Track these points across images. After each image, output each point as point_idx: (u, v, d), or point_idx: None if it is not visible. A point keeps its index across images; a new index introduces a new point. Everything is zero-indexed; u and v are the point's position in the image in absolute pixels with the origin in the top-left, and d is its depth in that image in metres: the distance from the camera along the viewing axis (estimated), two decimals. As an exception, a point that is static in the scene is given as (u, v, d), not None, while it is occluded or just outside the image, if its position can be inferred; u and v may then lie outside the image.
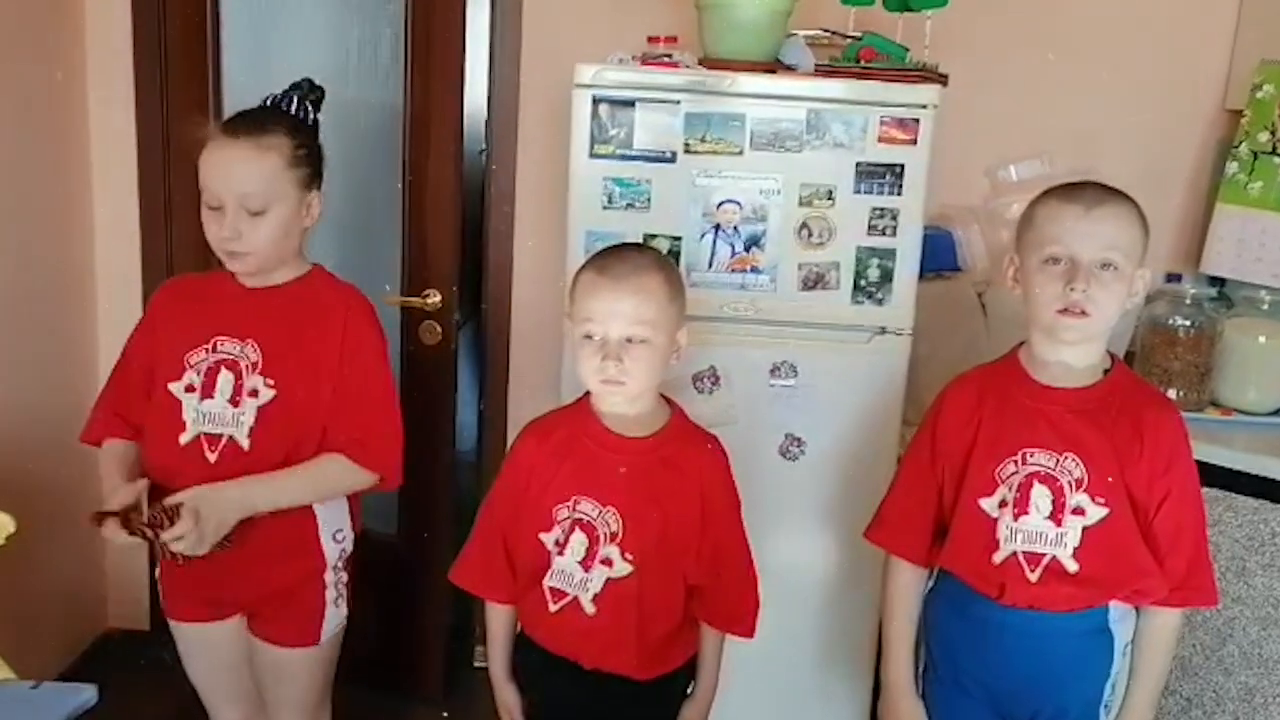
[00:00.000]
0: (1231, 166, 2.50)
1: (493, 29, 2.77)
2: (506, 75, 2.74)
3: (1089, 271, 1.63)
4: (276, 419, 1.84)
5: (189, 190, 2.69)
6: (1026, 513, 1.70)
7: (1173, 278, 2.47)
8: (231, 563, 1.84)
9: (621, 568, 1.72)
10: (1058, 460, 1.69)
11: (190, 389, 1.84)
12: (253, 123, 1.86)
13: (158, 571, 1.99)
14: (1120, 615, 1.73)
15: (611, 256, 1.74)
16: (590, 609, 1.73)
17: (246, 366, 1.85)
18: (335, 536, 1.97)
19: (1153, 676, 1.76)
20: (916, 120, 2.14)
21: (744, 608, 1.83)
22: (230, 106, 2.68)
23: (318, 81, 1.98)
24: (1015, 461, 1.72)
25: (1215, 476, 2.17)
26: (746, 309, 2.24)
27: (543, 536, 1.76)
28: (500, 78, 2.76)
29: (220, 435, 1.83)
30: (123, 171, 2.76)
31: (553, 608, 1.75)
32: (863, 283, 2.22)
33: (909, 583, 1.88)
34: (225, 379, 1.84)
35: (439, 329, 2.67)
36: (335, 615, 1.99)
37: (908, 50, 2.20)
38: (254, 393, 1.84)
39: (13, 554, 1.81)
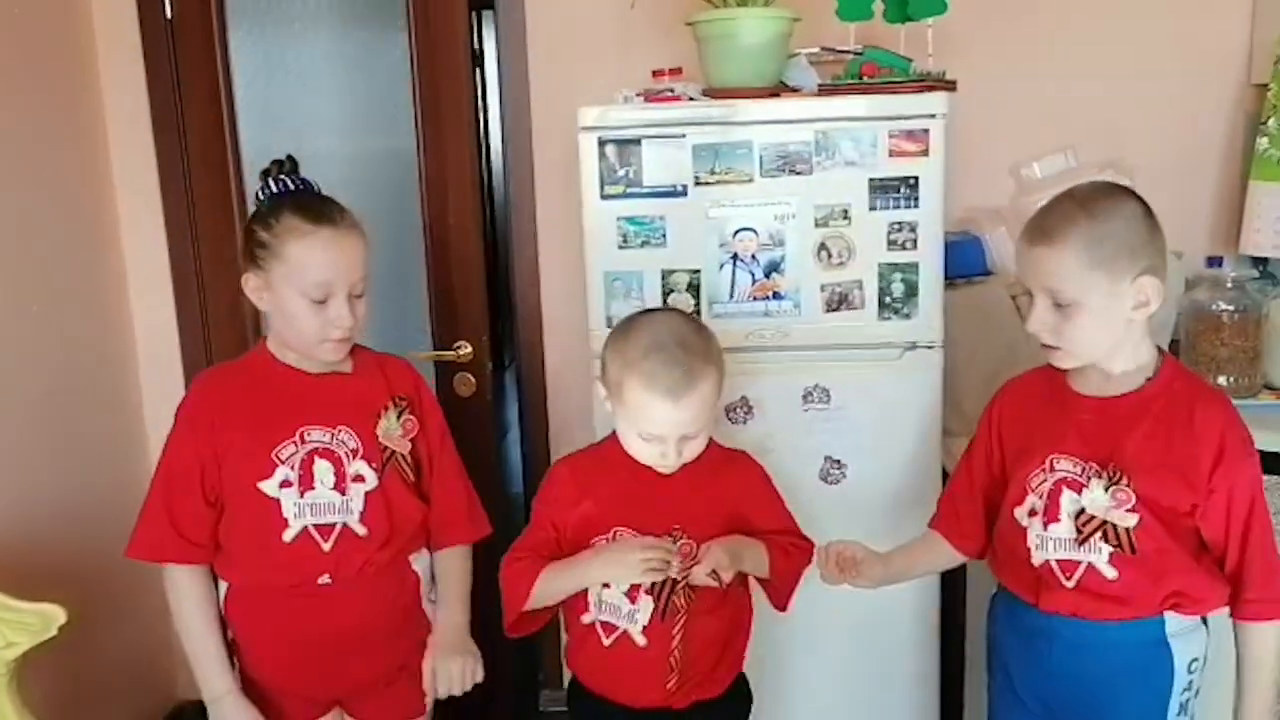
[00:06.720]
0: (1262, 142, 2.41)
1: (500, 72, 2.77)
2: (518, 118, 2.74)
3: (1044, 306, 1.62)
4: (384, 500, 1.83)
5: (218, 267, 2.76)
6: (1057, 520, 1.66)
7: (1213, 261, 2.39)
8: (351, 648, 1.83)
9: None
10: (1084, 467, 1.65)
11: (286, 484, 1.78)
12: (326, 206, 1.79)
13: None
14: (1181, 629, 1.66)
15: (657, 361, 1.67)
16: (641, 640, 1.75)
17: (346, 454, 1.81)
18: (430, 598, 1.96)
19: (1258, 692, 1.66)
20: (926, 130, 2.11)
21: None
22: (250, 168, 2.72)
23: (293, 153, 1.90)
24: (1044, 469, 1.68)
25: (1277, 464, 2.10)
26: (772, 336, 2.21)
27: None
28: (512, 121, 2.76)
29: (333, 525, 1.80)
30: (154, 250, 2.80)
31: (606, 642, 1.77)
32: (887, 299, 2.19)
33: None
34: (324, 468, 1.79)
35: (473, 380, 2.68)
36: None
37: (911, 61, 2.16)
38: (359, 478, 1.82)
39: (75, 637, 1.82)
